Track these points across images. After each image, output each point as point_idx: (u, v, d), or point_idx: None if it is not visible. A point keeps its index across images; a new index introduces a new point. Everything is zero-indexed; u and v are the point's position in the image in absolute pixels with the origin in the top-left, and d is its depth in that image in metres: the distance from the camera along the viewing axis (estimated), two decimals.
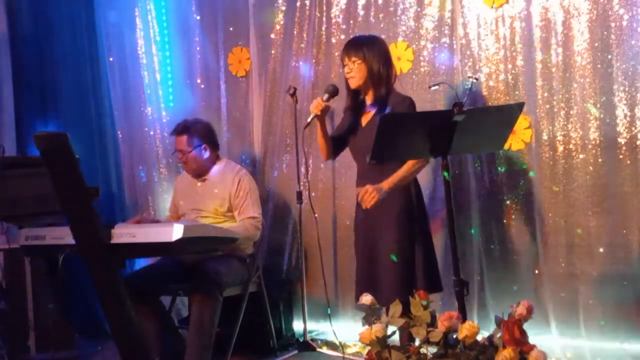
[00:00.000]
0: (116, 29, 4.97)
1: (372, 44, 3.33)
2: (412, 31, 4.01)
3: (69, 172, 2.67)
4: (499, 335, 2.52)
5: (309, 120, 3.31)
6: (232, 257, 3.78)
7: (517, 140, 3.69)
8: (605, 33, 3.49)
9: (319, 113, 3.26)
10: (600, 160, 3.51)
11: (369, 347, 2.62)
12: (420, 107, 3.82)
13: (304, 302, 4.10)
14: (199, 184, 4.00)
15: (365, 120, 3.37)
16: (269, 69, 4.53)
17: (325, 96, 3.31)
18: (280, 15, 4.48)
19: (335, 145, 3.44)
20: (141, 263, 4.45)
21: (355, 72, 3.30)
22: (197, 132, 3.93)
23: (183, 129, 3.94)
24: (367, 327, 2.63)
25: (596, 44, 3.51)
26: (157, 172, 4.84)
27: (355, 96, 3.40)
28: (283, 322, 4.20)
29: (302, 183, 4.17)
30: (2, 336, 3.90)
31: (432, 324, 2.54)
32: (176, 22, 4.90)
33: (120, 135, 4.97)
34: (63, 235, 3.00)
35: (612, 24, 3.47)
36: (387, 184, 3.15)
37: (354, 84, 3.32)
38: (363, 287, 3.27)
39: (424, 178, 3.94)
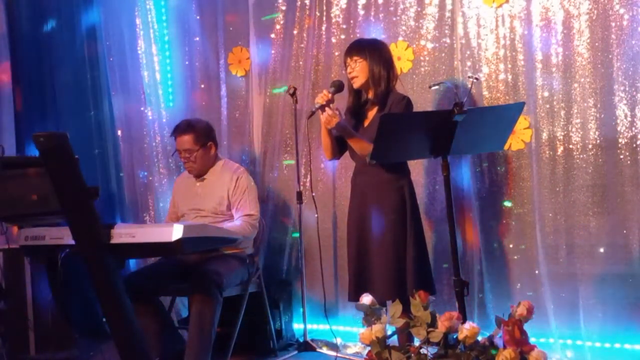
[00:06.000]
0: (116, 29, 4.96)
1: (373, 45, 3.39)
2: (412, 31, 4.01)
3: (69, 172, 2.67)
4: (499, 335, 2.52)
5: (313, 110, 3.31)
6: (232, 257, 3.78)
7: (517, 140, 3.69)
8: (605, 33, 3.49)
9: (324, 103, 3.27)
10: (600, 160, 3.51)
11: (369, 347, 2.62)
12: (420, 107, 3.84)
13: (304, 302, 4.10)
14: (197, 184, 4.00)
15: (366, 119, 3.38)
16: (269, 69, 4.53)
17: (332, 89, 3.33)
18: (280, 15, 4.48)
19: (339, 145, 3.45)
20: (141, 263, 4.45)
21: (357, 71, 3.33)
22: (201, 130, 3.93)
23: (188, 128, 3.92)
24: (367, 327, 2.63)
25: (596, 44, 3.51)
26: (157, 172, 4.84)
27: (357, 97, 3.42)
28: (283, 322, 4.20)
29: (302, 183, 4.17)
30: (2, 336, 3.90)
31: (432, 324, 2.54)
32: (176, 22, 4.90)
33: (120, 135, 4.97)
34: (63, 235, 3.00)
35: (613, 24, 3.47)
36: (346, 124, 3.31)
37: (357, 83, 3.34)
38: (355, 287, 3.29)
39: (424, 178, 3.95)
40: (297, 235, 4.26)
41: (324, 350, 4.04)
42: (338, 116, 3.22)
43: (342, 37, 4.24)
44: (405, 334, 2.81)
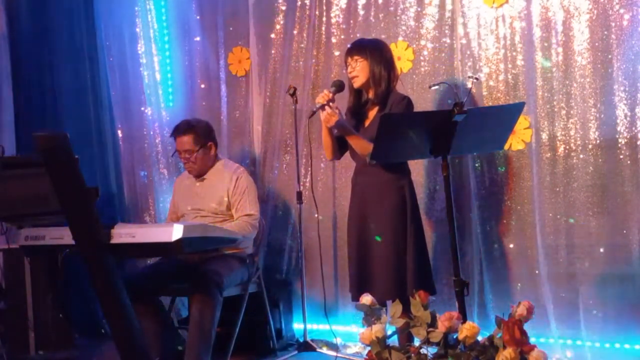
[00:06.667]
0: (116, 29, 4.96)
1: (374, 45, 3.39)
2: (412, 31, 4.01)
3: (69, 172, 2.67)
4: (499, 335, 2.52)
5: (314, 109, 3.31)
6: (232, 257, 3.78)
7: (517, 140, 3.69)
8: (605, 33, 3.49)
9: (325, 103, 3.26)
10: (600, 160, 3.51)
11: (369, 347, 2.62)
12: (420, 107, 3.84)
13: (304, 302, 4.10)
14: (197, 184, 4.00)
15: (367, 118, 3.38)
16: (269, 69, 4.53)
17: (333, 89, 3.33)
18: (280, 15, 4.48)
19: (339, 145, 3.45)
20: (141, 263, 4.45)
21: (357, 71, 3.33)
22: (201, 131, 3.93)
23: (188, 128, 3.92)
24: (367, 327, 2.63)
25: (596, 44, 3.51)
26: (157, 172, 4.84)
27: (358, 97, 3.42)
28: (283, 322, 4.20)
29: (302, 183, 4.17)
30: (2, 336, 3.90)
31: (432, 324, 2.54)
32: (176, 22, 4.90)
33: (120, 135, 4.97)
34: (63, 235, 3.00)
35: (613, 24, 3.47)
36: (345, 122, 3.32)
37: (357, 82, 3.34)
38: (356, 287, 3.29)
39: (424, 178, 3.95)
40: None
41: (324, 350, 4.04)
42: (337, 114, 3.22)
43: (342, 37, 4.24)
44: (405, 334, 2.81)
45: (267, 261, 4.38)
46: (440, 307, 3.45)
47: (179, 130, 3.94)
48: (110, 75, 4.96)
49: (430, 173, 3.94)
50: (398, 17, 4.05)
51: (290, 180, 4.39)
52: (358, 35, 4.08)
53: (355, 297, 3.25)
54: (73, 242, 2.85)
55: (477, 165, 3.81)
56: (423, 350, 2.54)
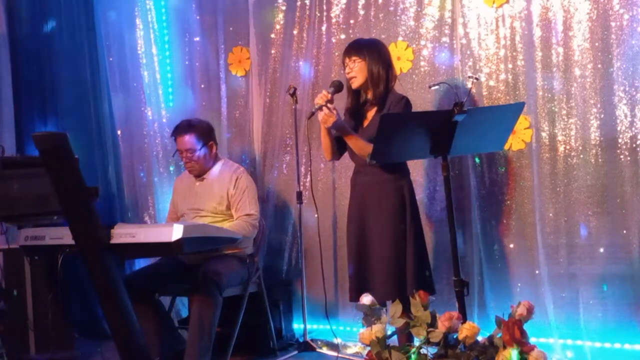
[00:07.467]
0: (116, 29, 4.97)
1: (372, 45, 3.38)
2: (412, 31, 4.01)
3: (69, 172, 2.67)
4: (499, 335, 2.52)
5: (313, 110, 3.31)
6: (232, 257, 3.78)
7: (517, 140, 3.69)
8: (605, 33, 3.49)
9: (323, 104, 3.26)
10: (600, 160, 3.51)
11: (369, 348, 2.62)
12: (420, 107, 3.84)
13: (304, 302, 4.10)
14: (197, 183, 4.00)
15: (366, 119, 3.38)
16: (269, 69, 4.53)
17: (331, 89, 3.33)
18: (280, 15, 4.49)
19: (338, 145, 3.45)
20: (141, 263, 4.46)
21: (356, 71, 3.32)
22: (202, 130, 3.93)
23: (188, 128, 3.92)
24: (367, 327, 2.63)
25: (596, 44, 3.51)
26: (157, 172, 4.84)
27: (356, 97, 3.42)
28: (283, 322, 4.20)
29: (302, 183, 4.17)
30: (2, 336, 3.90)
31: (433, 324, 2.54)
32: (176, 22, 4.90)
33: (120, 135, 4.97)
34: (63, 235, 3.00)
35: (613, 24, 3.47)
36: (343, 123, 3.30)
37: (356, 83, 3.34)
38: (355, 287, 3.29)
39: (424, 178, 3.95)
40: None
41: (324, 350, 4.04)
42: (335, 115, 3.22)
43: (342, 37, 4.25)
44: (405, 334, 2.81)
45: (267, 261, 4.38)
46: (440, 307, 3.45)
47: (180, 129, 3.94)
48: (110, 75, 4.96)
49: (430, 173, 3.95)
50: (398, 17, 4.05)
51: (290, 180, 4.39)
52: (358, 35, 4.08)
53: (354, 298, 3.25)
54: (73, 242, 2.85)
55: (477, 165, 3.81)
56: (423, 350, 2.54)
